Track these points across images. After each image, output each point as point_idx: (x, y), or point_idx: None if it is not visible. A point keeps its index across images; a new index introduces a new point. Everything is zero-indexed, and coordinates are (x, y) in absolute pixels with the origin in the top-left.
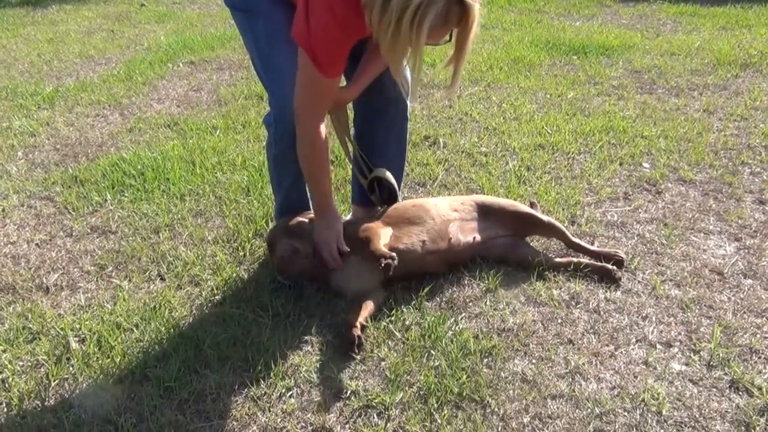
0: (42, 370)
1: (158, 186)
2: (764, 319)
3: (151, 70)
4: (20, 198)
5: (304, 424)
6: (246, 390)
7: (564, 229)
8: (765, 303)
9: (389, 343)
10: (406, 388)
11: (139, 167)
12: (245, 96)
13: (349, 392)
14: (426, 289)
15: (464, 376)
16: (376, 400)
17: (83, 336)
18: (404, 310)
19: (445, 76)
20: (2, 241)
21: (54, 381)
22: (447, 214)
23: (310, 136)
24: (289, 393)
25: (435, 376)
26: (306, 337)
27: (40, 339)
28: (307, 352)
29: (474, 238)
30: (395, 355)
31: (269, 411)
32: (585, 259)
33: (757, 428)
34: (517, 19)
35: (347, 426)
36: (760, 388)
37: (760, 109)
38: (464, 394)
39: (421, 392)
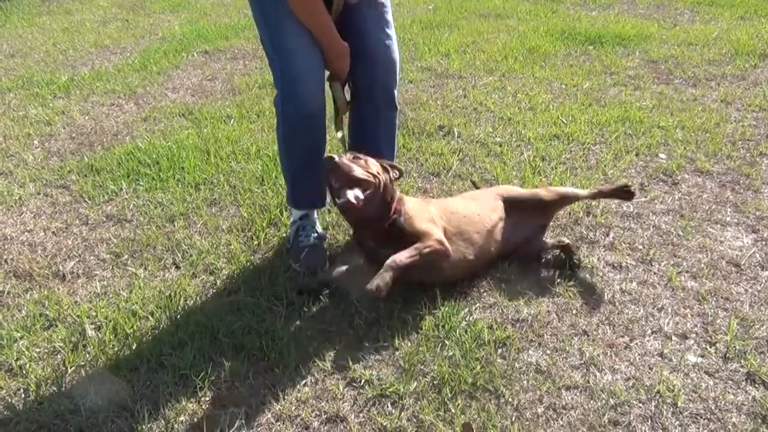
0: (59, 356)
1: (173, 175)
2: None
3: (166, 60)
4: (36, 186)
5: (318, 413)
6: (261, 378)
7: (574, 191)
8: None
9: (403, 332)
10: (420, 377)
11: (154, 156)
12: (259, 85)
13: (363, 381)
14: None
15: (478, 366)
16: (390, 390)
17: (99, 323)
18: (418, 299)
19: (460, 65)
20: (19, 229)
21: (71, 368)
22: (490, 221)
23: (309, 17)
24: (303, 382)
25: (449, 366)
26: (320, 326)
27: (56, 326)
28: (321, 341)
29: (508, 240)
30: (409, 344)
31: (284, 399)
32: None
33: None
34: (532, 9)
35: (361, 415)
36: None
37: None
38: (478, 384)
39: (435, 382)
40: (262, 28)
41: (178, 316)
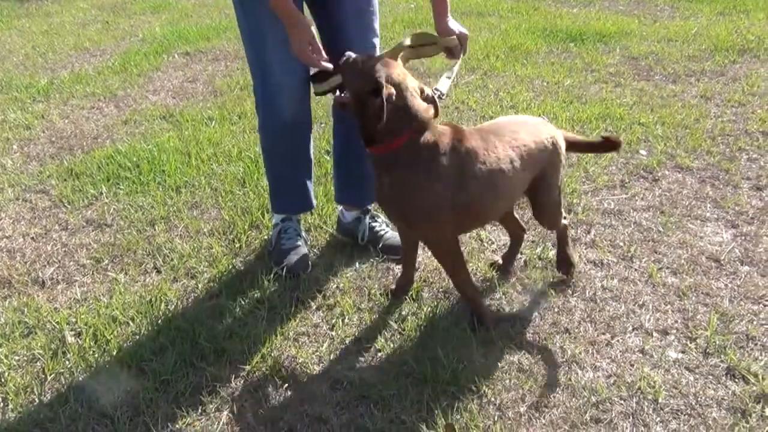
0: (38, 364)
1: (154, 178)
2: (761, 305)
3: (147, 62)
4: (15, 191)
5: (300, 416)
6: (242, 382)
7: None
8: (762, 290)
9: (386, 333)
10: (402, 377)
11: (134, 159)
12: (241, 87)
13: (345, 383)
14: (421, 280)
15: (460, 366)
16: (373, 391)
17: (79, 330)
18: (400, 300)
19: (442, 65)
20: None
21: (50, 375)
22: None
23: None
24: (286, 385)
25: (431, 366)
26: (302, 329)
27: (36, 333)
28: (303, 344)
29: None
30: (392, 345)
31: (266, 403)
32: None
33: (753, 415)
34: (514, 6)
35: (343, 416)
36: (756, 375)
37: (757, 95)
38: (460, 383)
39: (417, 382)
40: (245, 36)
41: (159, 321)
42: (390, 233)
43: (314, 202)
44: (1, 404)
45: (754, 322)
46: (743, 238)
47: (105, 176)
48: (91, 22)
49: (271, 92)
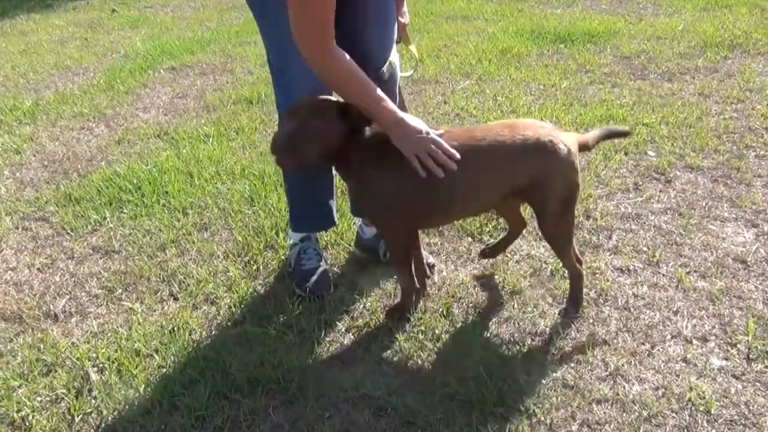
0: (62, 404)
1: (157, 200)
2: None
3: (132, 78)
4: (14, 220)
5: None
6: (282, 414)
7: None
8: None
9: (422, 354)
10: (447, 401)
11: (134, 181)
12: (234, 101)
13: (389, 409)
14: (449, 295)
15: (505, 385)
16: (418, 417)
17: (101, 365)
18: (431, 317)
19: (435, 70)
20: (1, 267)
21: (77, 416)
22: None
23: (329, 66)
24: (328, 414)
25: (475, 387)
26: (336, 353)
27: (56, 371)
28: (339, 369)
29: None
30: (429, 366)
31: None
32: None
33: None
34: (498, 9)
35: None
36: None
37: (754, 91)
38: (507, 404)
39: (463, 404)
40: (265, 43)
41: (185, 352)
42: None
43: (336, 218)
44: None
45: None
46: (766, 237)
47: (106, 200)
48: (69, 39)
49: (294, 88)
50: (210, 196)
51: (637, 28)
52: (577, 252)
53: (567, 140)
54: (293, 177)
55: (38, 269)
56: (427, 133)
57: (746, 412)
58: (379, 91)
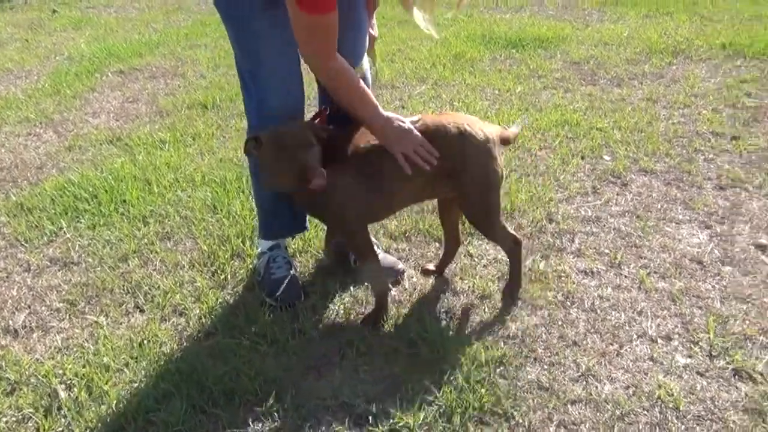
0: (30, 424)
1: (116, 209)
2: (749, 305)
3: (79, 82)
4: None
5: None
6: (261, 425)
7: None
8: (747, 289)
9: (398, 360)
10: (426, 406)
11: (90, 189)
12: (188, 105)
13: (369, 417)
14: (421, 301)
15: (482, 389)
16: (400, 423)
17: (69, 382)
18: (405, 323)
19: (390, 75)
20: None
21: None
22: None
23: (332, 74)
24: (308, 424)
25: (453, 392)
26: (311, 362)
27: (21, 389)
28: (315, 377)
29: None
30: (407, 374)
31: None
32: None
33: None
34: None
35: None
36: (762, 374)
37: (699, 96)
38: (486, 408)
39: (443, 410)
40: (237, 53)
41: (157, 366)
42: (382, 254)
43: (307, 223)
44: None
45: (747, 322)
46: (719, 238)
47: (61, 209)
48: (8, 41)
49: (270, 116)
50: (171, 204)
51: (585, 34)
52: (513, 232)
53: (486, 129)
54: (258, 183)
55: None
56: (412, 132)
57: (712, 408)
58: (372, 96)
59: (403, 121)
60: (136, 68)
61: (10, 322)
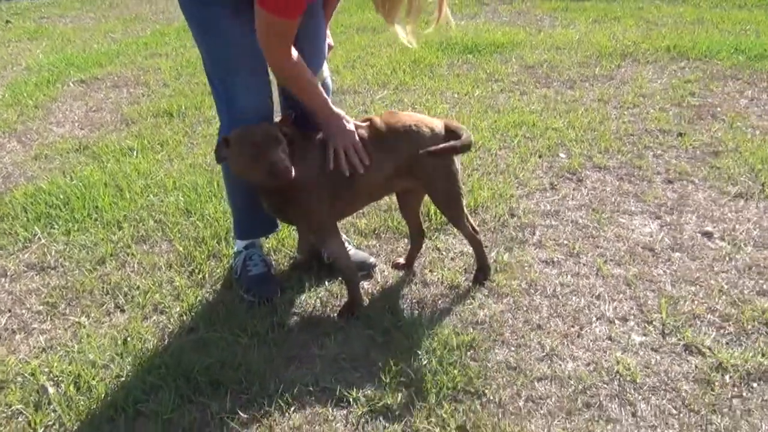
0: (20, 419)
1: (89, 215)
2: (697, 287)
3: (40, 92)
4: None
5: None
6: (248, 412)
7: None
8: (695, 272)
9: (374, 348)
10: (403, 389)
11: (61, 197)
12: (153, 114)
13: (350, 400)
14: (393, 293)
15: (455, 371)
16: (379, 404)
17: (57, 379)
18: (379, 313)
19: (352, 81)
20: None
21: (39, 428)
22: None
23: (285, 71)
24: (292, 409)
25: (428, 374)
26: (291, 352)
27: (9, 387)
28: (296, 367)
29: None
30: (383, 359)
31: (277, 428)
32: None
33: (716, 383)
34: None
35: (357, 431)
36: (710, 348)
37: (646, 96)
38: (459, 387)
39: (419, 391)
40: (205, 57)
41: (142, 361)
42: (353, 250)
43: (278, 222)
44: None
45: (696, 302)
46: (669, 227)
47: (34, 216)
48: None
49: (239, 118)
50: (144, 209)
51: (538, 39)
52: (472, 222)
53: (432, 124)
54: (235, 187)
55: None
56: (353, 133)
57: (666, 380)
58: (322, 90)
59: (348, 121)
60: (97, 78)
61: None
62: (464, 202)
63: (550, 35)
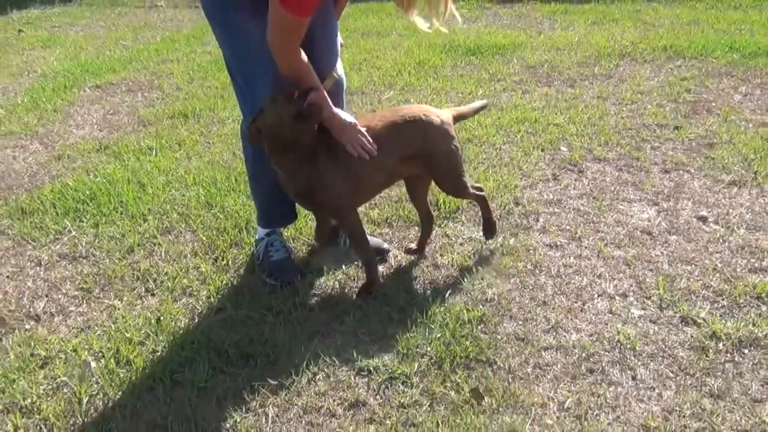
0: (66, 390)
1: (115, 209)
2: (693, 266)
3: (57, 97)
4: None
5: (339, 401)
6: (277, 381)
7: None
8: (691, 253)
9: (391, 323)
10: (419, 358)
11: (87, 192)
12: (169, 116)
13: (370, 369)
14: (406, 274)
15: (467, 342)
16: (398, 372)
17: (97, 354)
18: (394, 293)
19: (359, 82)
20: None
21: (85, 398)
22: None
23: (293, 68)
24: (317, 377)
25: (442, 345)
26: (314, 328)
27: (53, 362)
28: (320, 340)
29: None
30: (400, 333)
31: (304, 394)
32: None
33: (710, 350)
34: (408, 25)
35: (378, 397)
36: (704, 320)
37: (644, 93)
38: (471, 356)
39: (434, 360)
40: (228, 57)
41: (176, 337)
42: (369, 237)
43: (297, 214)
44: (45, 431)
45: (691, 279)
46: (665, 213)
47: (62, 211)
48: None
49: None
50: (167, 203)
51: (538, 40)
52: (475, 184)
53: (440, 113)
54: (260, 178)
55: (7, 277)
56: (356, 126)
57: (663, 347)
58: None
59: (347, 116)
60: (112, 83)
61: (31, 309)
62: (466, 177)
63: (550, 37)
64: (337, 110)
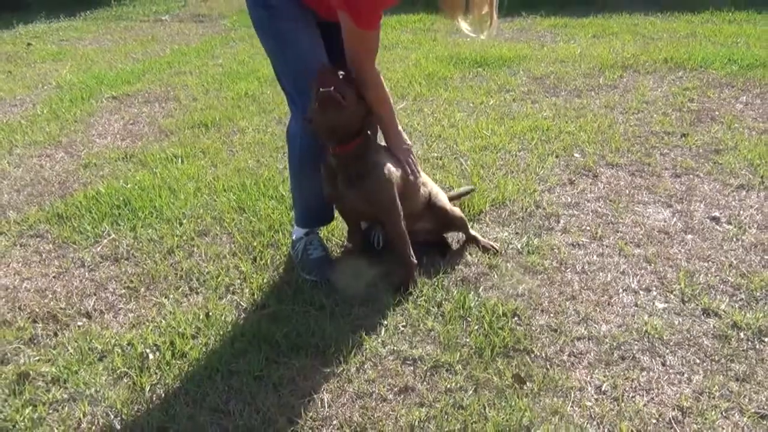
0: (126, 380)
1: (150, 213)
2: (710, 262)
3: (76, 108)
4: (9, 239)
5: (389, 387)
6: (329, 369)
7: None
8: (707, 250)
9: (429, 317)
10: (460, 348)
11: (121, 199)
12: (189, 125)
13: (415, 358)
14: (439, 273)
15: (504, 333)
16: (442, 360)
17: (153, 347)
18: (430, 290)
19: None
20: (16, 279)
21: (146, 387)
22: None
23: (373, 79)
24: (365, 366)
25: (481, 336)
26: (357, 322)
27: (111, 355)
28: (365, 333)
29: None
30: (439, 326)
31: (355, 381)
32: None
33: (733, 338)
34: (414, 39)
35: (425, 383)
36: (725, 311)
37: (649, 102)
38: (509, 346)
39: (475, 350)
40: (280, 64)
41: (226, 331)
42: None
43: (334, 215)
44: (111, 417)
45: (710, 275)
46: (680, 214)
47: (99, 216)
48: None
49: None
50: (201, 207)
51: (542, 53)
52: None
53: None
54: (302, 180)
55: (54, 277)
56: (410, 148)
57: (689, 337)
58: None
59: (407, 139)
60: (128, 94)
61: (81, 307)
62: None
63: (553, 49)
64: (400, 129)
